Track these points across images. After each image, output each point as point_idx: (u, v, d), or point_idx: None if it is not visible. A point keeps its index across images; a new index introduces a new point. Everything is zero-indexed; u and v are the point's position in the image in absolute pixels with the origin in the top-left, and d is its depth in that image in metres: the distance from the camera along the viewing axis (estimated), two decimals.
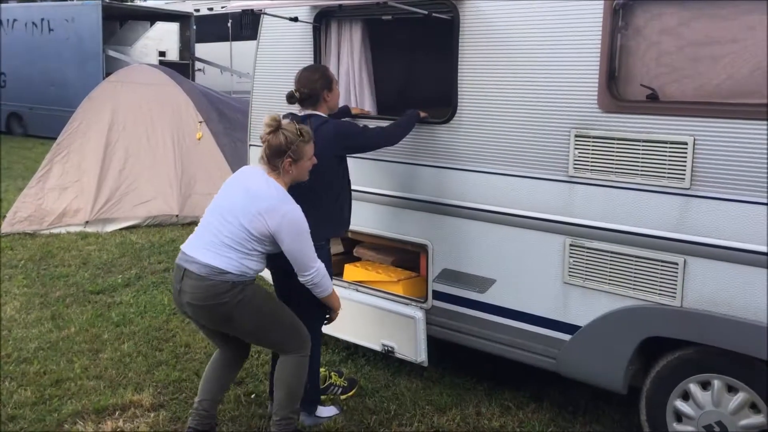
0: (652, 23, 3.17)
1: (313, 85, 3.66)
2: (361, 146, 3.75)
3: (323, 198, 3.60)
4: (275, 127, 3.30)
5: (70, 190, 7.97)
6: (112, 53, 14.83)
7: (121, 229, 7.85)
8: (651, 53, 3.18)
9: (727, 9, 2.96)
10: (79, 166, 8.10)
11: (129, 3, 20.92)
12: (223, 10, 4.51)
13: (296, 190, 3.41)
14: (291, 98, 3.70)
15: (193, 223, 8.03)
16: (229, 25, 16.67)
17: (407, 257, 4.34)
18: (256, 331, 3.42)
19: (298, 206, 3.29)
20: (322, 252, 3.60)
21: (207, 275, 3.22)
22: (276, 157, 3.31)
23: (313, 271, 3.35)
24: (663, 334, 3.21)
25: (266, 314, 3.39)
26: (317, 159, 3.46)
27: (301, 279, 3.39)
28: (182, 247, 3.39)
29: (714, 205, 3.01)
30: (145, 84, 8.81)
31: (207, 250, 3.26)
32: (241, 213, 3.25)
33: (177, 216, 8.05)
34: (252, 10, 4.10)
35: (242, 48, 16.06)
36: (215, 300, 3.23)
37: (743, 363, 3.04)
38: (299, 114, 3.71)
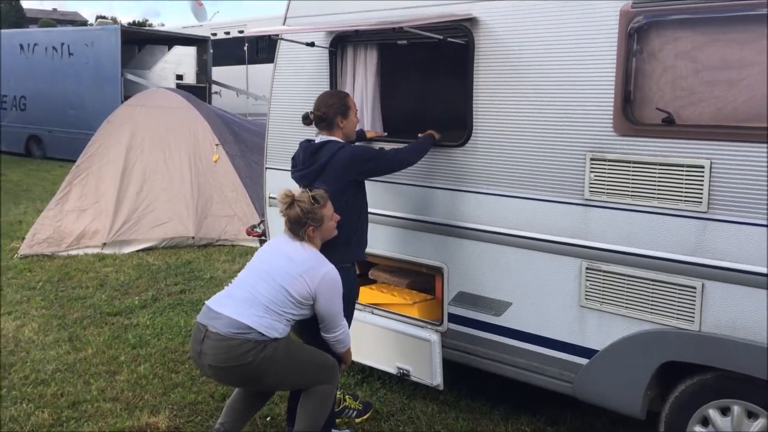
0: (667, 47, 3.17)
1: (327, 108, 3.70)
2: (377, 170, 3.78)
3: (345, 221, 3.63)
4: (290, 201, 3.43)
5: (88, 212, 8.05)
6: (130, 77, 14.98)
7: (138, 251, 7.91)
8: (666, 77, 3.18)
9: (743, 33, 2.96)
10: (98, 189, 8.19)
11: (147, 27, 21.21)
12: (244, 34, 4.56)
13: None
14: (305, 119, 3.77)
15: (209, 245, 8.11)
16: (246, 48, 16.84)
17: (422, 279, 4.33)
18: (283, 383, 3.50)
19: (334, 266, 3.40)
20: (349, 274, 3.67)
21: (230, 334, 3.23)
22: (298, 228, 3.44)
23: (340, 329, 3.49)
24: (681, 358, 3.18)
25: (291, 366, 3.39)
26: (335, 184, 3.54)
27: (327, 336, 3.50)
28: (208, 303, 3.41)
29: (732, 229, 3.00)
30: (162, 107, 8.92)
31: (238, 306, 3.29)
32: (280, 276, 3.33)
33: (193, 238, 8.11)
34: (269, 35, 4.14)
35: (258, 71, 16.22)
36: (238, 361, 3.23)
37: (763, 388, 3.00)
38: (315, 139, 3.75)
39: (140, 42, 16.63)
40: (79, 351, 5.11)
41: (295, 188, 3.62)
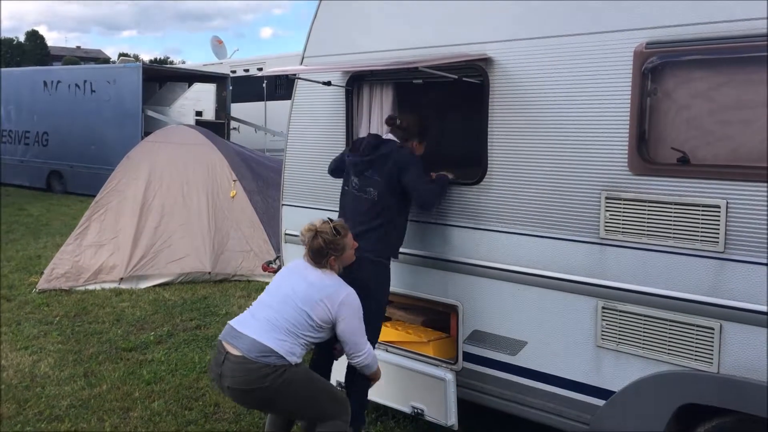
0: (681, 87, 3.18)
1: (414, 127, 4.02)
2: (410, 187, 3.87)
3: (389, 219, 3.89)
4: (313, 234, 3.57)
5: (106, 247, 8.11)
6: (150, 113, 15.20)
7: (154, 286, 7.94)
8: (681, 116, 3.18)
9: (756, 74, 2.97)
10: (116, 224, 8.26)
11: (168, 65, 21.56)
12: (262, 73, 4.66)
13: (360, 205, 3.86)
14: (391, 119, 4.01)
15: (225, 280, 8.13)
16: (264, 85, 17.04)
17: (438, 317, 4.31)
18: (298, 409, 3.52)
19: (353, 290, 3.55)
20: (385, 271, 3.90)
21: (251, 357, 3.30)
22: (320, 258, 3.56)
23: (364, 352, 3.56)
24: (700, 401, 3.13)
25: (307, 393, 3.46)
26: (385, 180, 3.82)
27: (353, 360, 3.57)
28: (231, 322, 3.50)
29: (749, 269, 2.97)
30: (181, 144, 9.03)
31: (260, 328, 3.38)
32: (302, 300, 3.43)
33: (209, 273, 8.13)
34: (287, 74, 4.20)
35: (276, 107, 16.43)
36: (257, 384, 3.31)
37: None
38: (383, 136, 4.04)
39: (161, 79, 16.90)
40: (94, 387, 5.11)
41: (316, 218, 3.73)
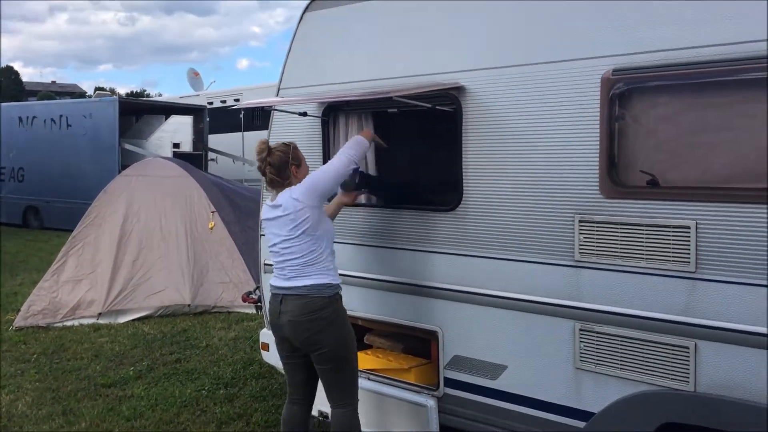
0: (648, 112, 3.26)
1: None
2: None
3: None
4: (267, 151, 3.81)
5: (84, 282, 8.05)
6: (128, 146, 15.16)
7: (133, 320, 7.88)
8: (649, 140, 3.26)
9: (721, 97, 3.05)
10: (94, 258, 8.21)
11: (145, 98, 21.56)
12: (237, 106, 4.68)
13: None
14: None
15: (205, 312, 8.07)
16: (242, 116, 17.10)
17: (418, 344, 4.31)
18: (337, 358, 3.76)
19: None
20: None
21: (306, 294, 3.71)
22: (284, 170, 3.80)
23: (351, 164, 3.91)
24: (679, 420, 3.16)
25: (347, 344, 3.80)
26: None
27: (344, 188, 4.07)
28: (271, 281, 3.87)
29: (721, 288, 3.02)
30: (159, 176, 9.03)
31: (295, 277, 3.75)
32: (285, 231, 3.75)
33: (189, 305, 8.09)
34: (262, 107, 4.24)
35: (254, 137, 16.38)
36: (314, 314, 3.69)
37: None
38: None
39: (138, 112, 16.88)
40: (73, 425, 5.04)
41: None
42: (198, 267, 8.29)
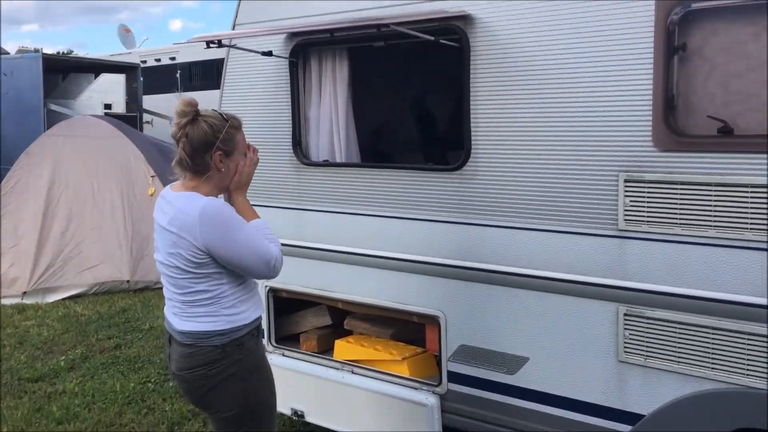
0: (717, 39, 2.63)
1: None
2: None
3: None
4: (192, 114, 2.55)
5: (5, 257, 7.37)
6: (53, 107, 14.28)
7: (64, 299, 7.18)
8: (719, 77, 2.63)
9: None
10: (16, 230, 7.59)
11: (72, 56, 20.43)
12: (183, 42, 4.05)
13: None
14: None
15: (147, 288, 7.37)
16: (178, 75, 16.29)
17: (409, 329, 3.67)
18: (239, 422, 2.69)
19: (212, 197, 2.57)
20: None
21: (192, 343, 2.60)
22: (203, 153, 2.56)
23: (273, 259, 2.60)
24: (756, 425, 2.58)
25: (258, 402, 2.70)
26: None
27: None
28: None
29: None
30: (90, 137, 8.32)
31: (179, 315, 2.64)
32: (164, 253, 2.58)
33: (128, 282, 7.45)
34: (219, 41, 3.45)
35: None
36: (200, 371, 2.60)
37: None
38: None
39: (64, 70, 15.87)
40: None
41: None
42: (137, 239, 7.61)
